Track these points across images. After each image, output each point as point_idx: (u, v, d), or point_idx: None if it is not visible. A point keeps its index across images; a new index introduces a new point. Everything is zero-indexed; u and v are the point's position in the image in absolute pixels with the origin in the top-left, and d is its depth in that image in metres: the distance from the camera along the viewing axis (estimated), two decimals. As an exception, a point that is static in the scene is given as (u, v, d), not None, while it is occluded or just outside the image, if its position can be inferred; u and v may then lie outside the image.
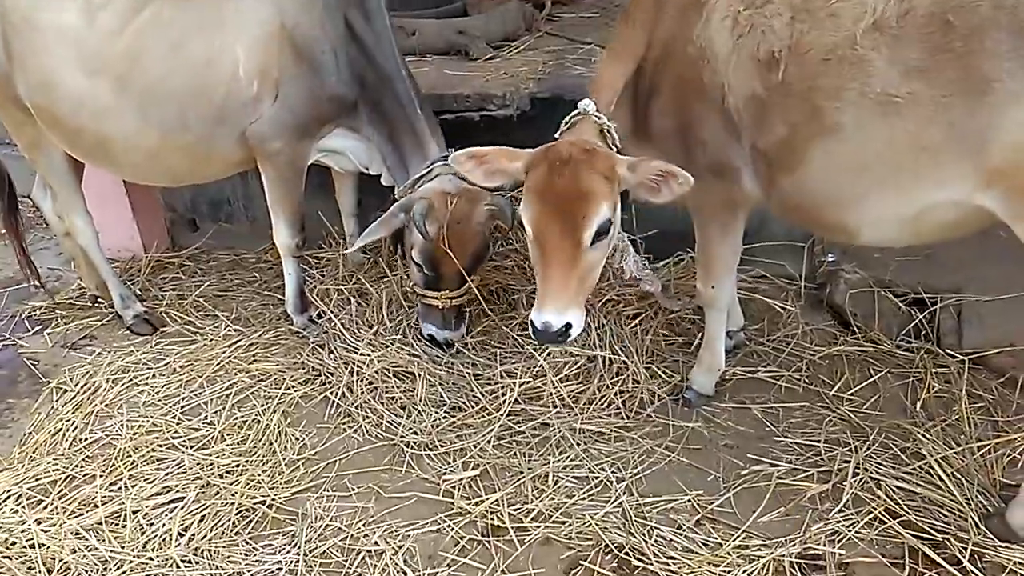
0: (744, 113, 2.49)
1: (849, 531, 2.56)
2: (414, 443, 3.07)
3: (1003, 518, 2.48)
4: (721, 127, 2.57)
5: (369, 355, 3.41)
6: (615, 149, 2.59)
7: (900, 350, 3.33)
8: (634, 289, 3.38)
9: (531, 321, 2.44)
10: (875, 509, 2.61)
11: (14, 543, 2.68)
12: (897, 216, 2.37)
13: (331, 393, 3.35)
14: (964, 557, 2.41)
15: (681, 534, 2.61)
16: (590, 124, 2.60)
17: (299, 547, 2.63)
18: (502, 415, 3.13)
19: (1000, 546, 2.44)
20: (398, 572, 2.53)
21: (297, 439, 3.14)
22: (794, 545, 2.52)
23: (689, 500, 2.74)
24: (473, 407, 3.21)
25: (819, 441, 2.92)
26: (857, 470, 2.76)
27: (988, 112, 2.08)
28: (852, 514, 2.62)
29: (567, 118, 2.65)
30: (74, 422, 3.27)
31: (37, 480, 2.98)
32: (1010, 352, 3.14)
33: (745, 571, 2.43)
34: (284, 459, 3.03)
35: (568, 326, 2.41)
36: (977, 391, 3.06)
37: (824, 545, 2.51)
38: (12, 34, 3.27)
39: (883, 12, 2.17)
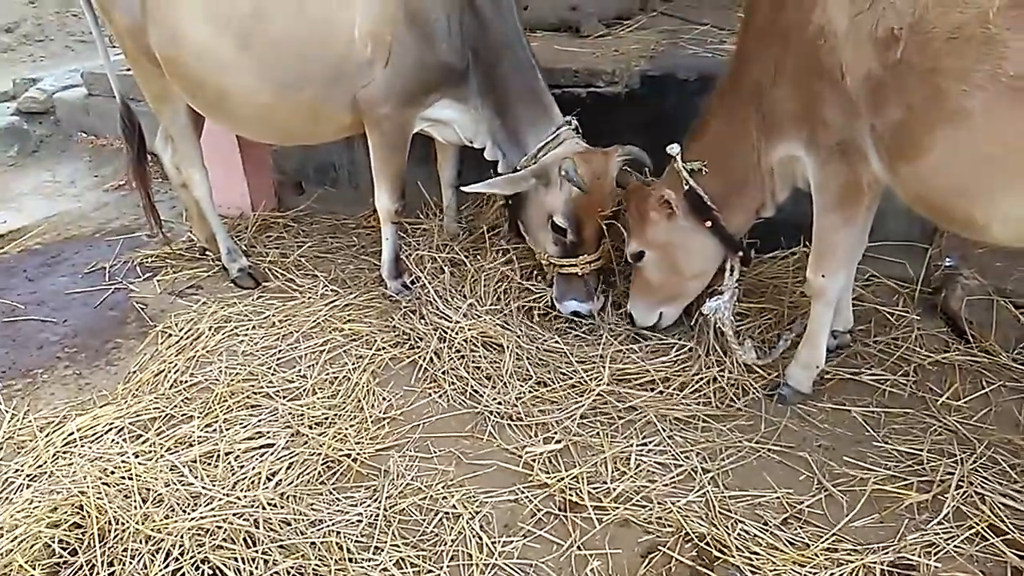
0: (860, 92, 2.39)
1: (947, 544, 2.41)
2: (497, 413, 3.07)
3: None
4: (842, 106, 2.47)
5: (460, 323, 3.42)
6: (687, 188, 2.98)
7: (1016, 363, 3.13)
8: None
9: None
10: (977, 524, 2.46)
11: (113, 472, 2.81)
12: None
13: (419, 357, 3.38)
14: (1074, 584, 2.24)
15: (767, 530, 2.51)
16: (672, 170, 3.06)
17: (380, 502, 2.67)
18: (590, 394, 3.10)
19: (1115, 577, 2.26)
20: (474, 536, 2.53)
21: (384, 399, 3.19)
22: (887, 553, 2.39)
23: (778, 497, 2.64)
24: (559, 383, 3.18)
25: (922, 450, 2.76)
26: (961, 482, 2.60)
27: None
28: (952, 527, 2.47)
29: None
30: (176, 365, 3.41)
31: (138, 416, 3.12)
32: None
33: (831, 574, 2.33)
34: (371, 416, 3.07)
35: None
36: (1099, 413, 2.85)
37: (919, 556, 2.38)
38: None
39: None
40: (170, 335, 3.65)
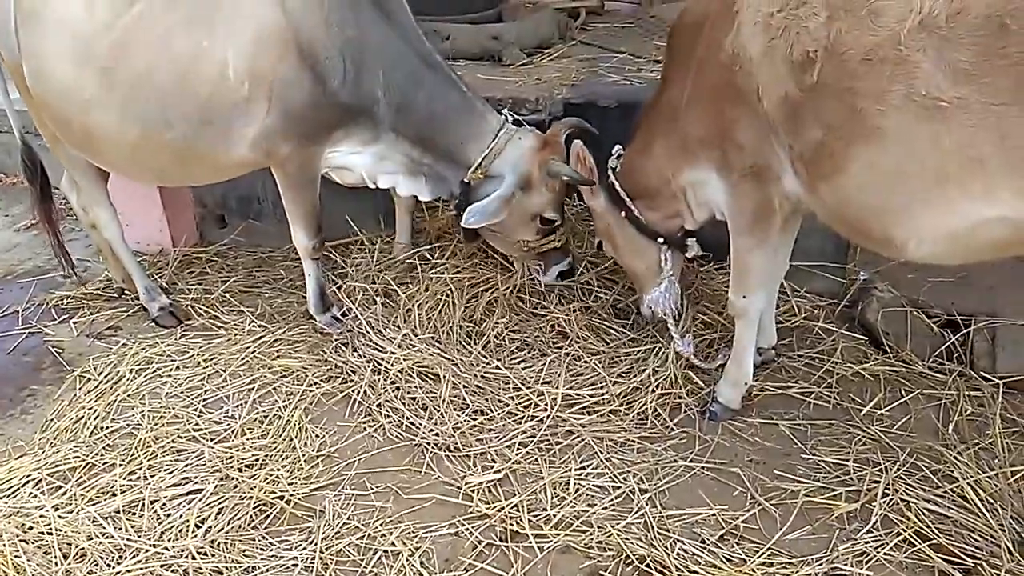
0: (777, 114, 2.45)
1: (878, 552, 2.49)
2: (435, 445, 3.04)
3: (1038, 546, 2.42)
4: (757, 128, 2.54)
5: (394, 353, 3.38)
6: (608, 181, 3.22)
7: (932, 371, 3.26)
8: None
9: None
10: (905, 531, 2.55)
11: (31, 528, 2.67)
12: (946, 231, 2.26)
13: (353, 391, 3.32)
14: (997, 584, 2.34)
15: (704, 548, 2.55)
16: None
17: (316, 544, 2.60)
18: (524, 421, 3.10)
19: (1035, 574, 2.37)
20: (414, 574, 2.49)
21: (317, 436, 3.12)
22: (820, 564, 2.46)
23: (713, 514, 2.68)
24: (496, 411, 3.17)
25: (848, 460, 2.85)
26: (887, 491, 2.69)
27: None
28: (881, 535, 2.55)
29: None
30: (96, 411, 3.27)
31: (57, 466, 2.98)
32: (1047, 378, 3.06)
33: (769, 588, 2.38)
34: (304, 455, 3.00)
35: None
36: (1011, 415, 2.99)
37: (852, 565, 2.45)
38: (22, 22, 3.25)
39: (931, 11, 2.06)
40: (89, 379, 3.49)
